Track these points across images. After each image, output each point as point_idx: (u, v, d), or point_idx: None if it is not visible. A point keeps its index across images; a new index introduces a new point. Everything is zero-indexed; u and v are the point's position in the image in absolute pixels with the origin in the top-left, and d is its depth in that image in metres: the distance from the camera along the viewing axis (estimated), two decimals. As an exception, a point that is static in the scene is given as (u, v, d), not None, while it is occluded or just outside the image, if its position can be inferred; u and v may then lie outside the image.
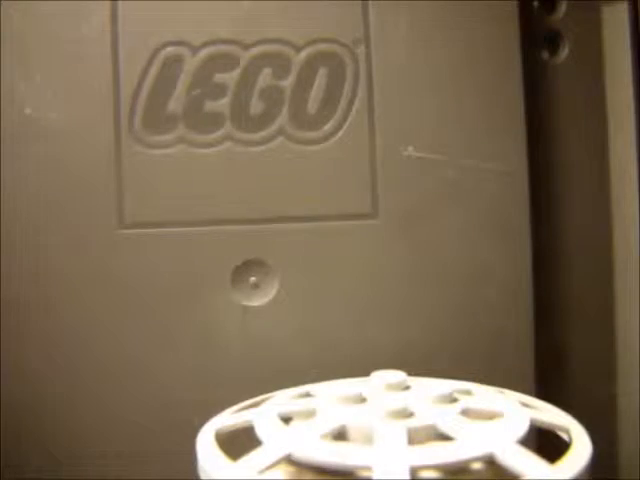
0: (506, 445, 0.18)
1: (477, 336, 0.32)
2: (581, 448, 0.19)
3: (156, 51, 0.31)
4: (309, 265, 0.31)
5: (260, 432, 0.20)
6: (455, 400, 0.21)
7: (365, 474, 0.18)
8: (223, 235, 0.31)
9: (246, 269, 0.31)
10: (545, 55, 0.35)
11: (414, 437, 0.19)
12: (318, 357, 0.31)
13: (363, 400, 0.22)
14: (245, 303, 0.31)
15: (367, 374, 0.25)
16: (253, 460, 0.18)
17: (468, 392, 0.23)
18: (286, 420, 0.21)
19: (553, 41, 0.35)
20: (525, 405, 0.22)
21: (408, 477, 0.17)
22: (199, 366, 0.31)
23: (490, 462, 0.18)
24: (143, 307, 0.30)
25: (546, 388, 0.32)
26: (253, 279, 0.31)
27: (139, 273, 0.30)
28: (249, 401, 0.24)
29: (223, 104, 0.31)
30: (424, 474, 0.18)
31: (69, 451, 0.30)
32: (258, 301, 0.31)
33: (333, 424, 0.19)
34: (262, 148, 0.31)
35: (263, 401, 0.23)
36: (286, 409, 0.21)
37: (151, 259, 0.31)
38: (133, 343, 0.30)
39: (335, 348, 0.31)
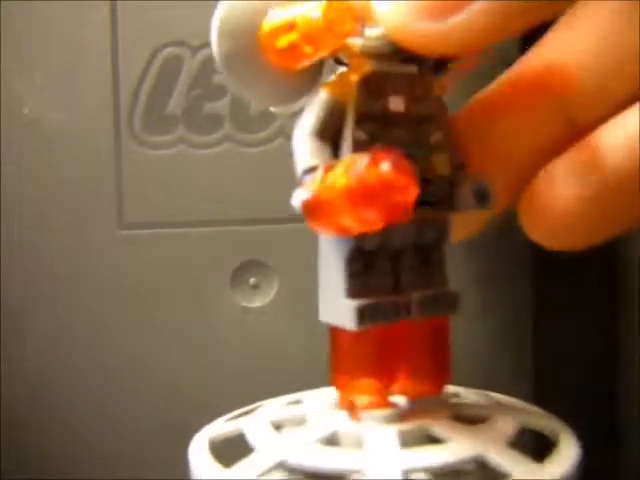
0: (495, 447, 0.18)
1: (477, 336, 0.32)
2: (566, 450, 0.19)
3: (155, 52, 0.31)
4: (309, 265, 0.31)
5: (252, 440, 0.20)
6: (445, 403, 0.21)
7: (357, 478, 0.18)
8: (223, 235, 0.31)
9: (246, 270, 0.31)
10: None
11: (405, 440, 0.19)
12: (318, 357, 0.31)
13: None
14: (245, 304, 0.31)
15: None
16: (244, 467, 0.18)
17: (456, 396, 0.23)
18: (277, 427, 0.21)
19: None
20: (511, 407, 0.22)
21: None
22: (199, 367, 0.31)
23: (480, 464, 0.18)
24: (143, 308, 0.31)
25: (546, 388, 0.32)
26: (253, 280, 0.31)
27: (139, 274, 0.31)
28: (242, 409, 0.24)
29: (223, 105, 0.31)
30: (415, 476, 0.18)
31: (69, 451, 0.30)
32: (258, 302, 0.31)
33: (324, 430, 0.19)
34: (262, 149, 0.31)
35: (255, 409, 0.23)
36: (278, 416, 0.21)
37: (151, 260, 0.31)
38: (132, 344, 0.31)
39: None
